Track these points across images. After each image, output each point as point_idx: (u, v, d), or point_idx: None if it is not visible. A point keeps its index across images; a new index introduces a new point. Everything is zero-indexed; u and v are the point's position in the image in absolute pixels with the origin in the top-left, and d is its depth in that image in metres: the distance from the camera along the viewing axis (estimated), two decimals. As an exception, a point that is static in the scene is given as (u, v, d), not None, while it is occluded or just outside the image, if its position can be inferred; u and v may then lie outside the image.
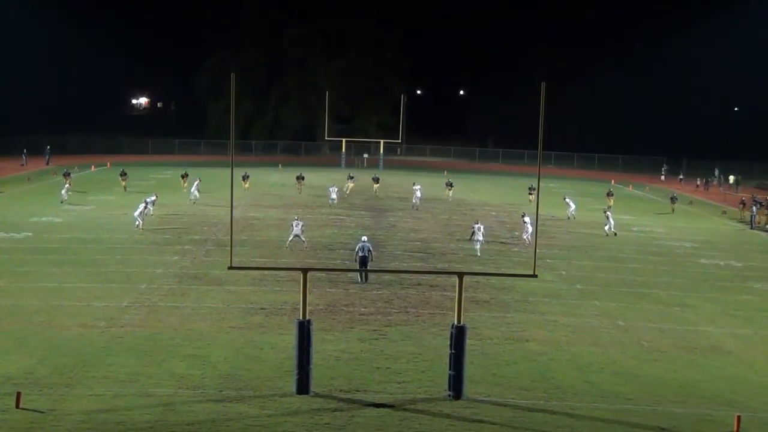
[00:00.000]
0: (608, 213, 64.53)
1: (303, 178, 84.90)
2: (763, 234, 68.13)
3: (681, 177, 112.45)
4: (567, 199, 71.35)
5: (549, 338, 36.25)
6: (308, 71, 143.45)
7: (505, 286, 45.00)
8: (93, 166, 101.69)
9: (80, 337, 33.83)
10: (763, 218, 72.15)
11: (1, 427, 25.05)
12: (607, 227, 62.94)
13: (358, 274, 44.69)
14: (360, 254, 44.99)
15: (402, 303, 41.16)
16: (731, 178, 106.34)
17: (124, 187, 79.49)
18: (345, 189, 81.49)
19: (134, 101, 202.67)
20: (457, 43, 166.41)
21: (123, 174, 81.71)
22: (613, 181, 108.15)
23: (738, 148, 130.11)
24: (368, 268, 44.54)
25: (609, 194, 78.39)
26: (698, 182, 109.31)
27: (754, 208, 72.79)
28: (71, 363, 30.55)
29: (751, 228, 70.87)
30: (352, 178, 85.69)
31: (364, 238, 46.89)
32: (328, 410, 27.19)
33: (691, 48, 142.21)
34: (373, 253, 45.92)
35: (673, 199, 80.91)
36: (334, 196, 74.85)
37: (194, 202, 70.74)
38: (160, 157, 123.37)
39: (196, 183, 74.05)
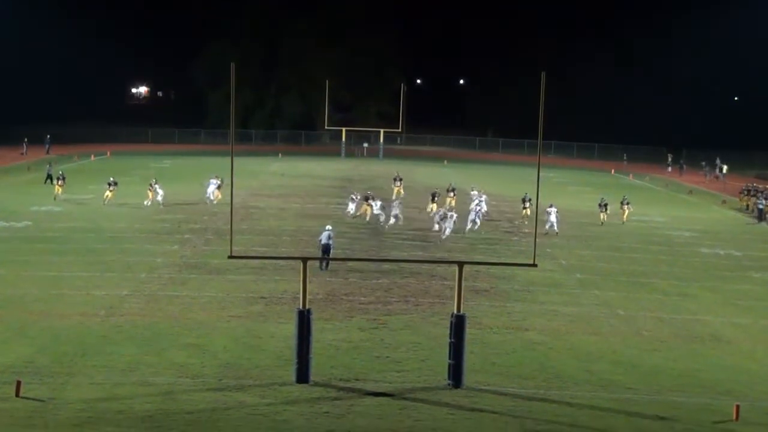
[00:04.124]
0: (551, 209, 59.06)
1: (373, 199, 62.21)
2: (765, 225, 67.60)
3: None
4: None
5: (549, 327, 36.29)
6: (308, 60, 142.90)
7: (505, 275, 44.99)
8: (93, 156, 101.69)
9: (80, 326, 33.86)
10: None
11: (1, 415, 25.09)
12: (548, 225, 58.09)
13: (319, 262, 44.62)
14: (323, 242, 45.07)
15: (402, 292, 41.20)
16: (725, 168, 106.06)
17: (55, 196, 66.46)
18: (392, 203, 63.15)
19: (134, 90, 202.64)
20: (457, 32, 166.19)
21: (60, 178, 68.05)
22: (613, 171, 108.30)
23: (738, 138, 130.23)
24: (330, 255, 44.75)
25: (623, 203, 66.13)
26: (669, 169, 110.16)
27: (762, 202, 70.34)
28: (71, 352, 30.58)
29: (759, 221, 68.58)
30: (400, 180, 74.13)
31: (329, 226, 47.00)
32: (327, 399, 27.23)
33: (692, 37, 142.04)
34: (331, 239, 45.67)
35: (602, 206, 64.38)
36: (397, 211, 59.95)
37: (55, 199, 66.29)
38: (160, 146, 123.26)
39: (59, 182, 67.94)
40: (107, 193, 64.87)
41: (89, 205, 63.96)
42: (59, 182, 67.42)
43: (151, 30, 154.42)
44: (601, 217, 63.32)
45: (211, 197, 66.41)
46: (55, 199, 65.67)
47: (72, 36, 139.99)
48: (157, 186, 64.69)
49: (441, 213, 56.85)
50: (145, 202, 64.18)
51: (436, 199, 64.70)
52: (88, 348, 31.16)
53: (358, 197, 62.99)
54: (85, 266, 44.01)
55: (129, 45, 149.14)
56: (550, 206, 59.28)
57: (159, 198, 64.11)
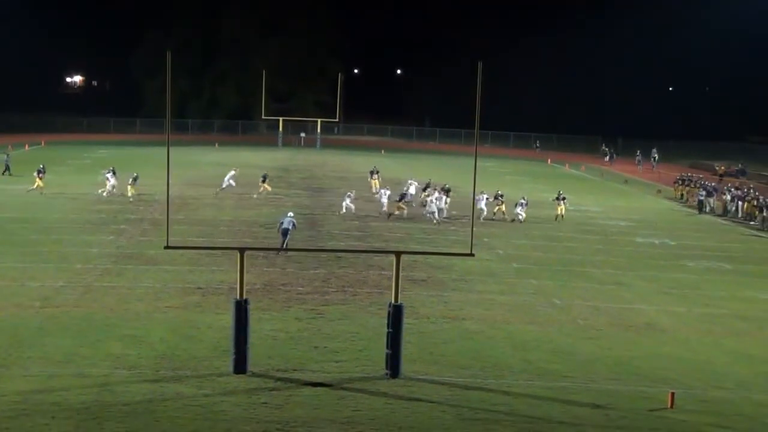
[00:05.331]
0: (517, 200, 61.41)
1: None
2: (708, 217, 68.16)
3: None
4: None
5: (486, 317, 36.42)
6: (245, 50, 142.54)
7: (443, 265, 45.11)
8: (27, 145, 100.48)
9: (15, 317, 33.43)
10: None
11: (-67, 408, 24.79)
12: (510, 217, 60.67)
13: (280, 245, 45.72)
14: (283, 226, 46.16)
15: (339, 282, 41.16)
16: (656, 157, 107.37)
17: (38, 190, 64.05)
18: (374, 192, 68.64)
19: (68, 80, 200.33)
20: (394, 23, 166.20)
21: (40, 171, 65.49)
22: (549, 161, 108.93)
23: (672, 128, 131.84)
24: (288, 239, 45.96)
25: (558, 198, 62.25)
26: (606, 158, 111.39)
27: (702, 192, 71.16)
28: (6, 343, 30.20)
29: (700, 212, 69.42)
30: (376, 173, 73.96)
31: (291, 213, 47.95)
32: (265, 390, 27.15)
33: (627, 27, 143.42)
34: (295, 227, 46.82)
35: (522, 204, 61.17)
36: (412, 191, 65.80)
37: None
38: (95, 135, 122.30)
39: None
40: (112, 182, 64.16)
41: (24, 195, 63.00)
42: (39, 175, 65.01)
43: (86, 20, 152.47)
44: (519, 216, 60.77)
45: (232, 183, 67.67)
46: (31, 191, 63.42)
47: (4, 24, 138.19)
48: (108, 174, 64.21)
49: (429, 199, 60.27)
50: (100, 191, 64.04)
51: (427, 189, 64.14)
52: (23, 340, 30.79)
53: (353, 195, 61.79)
54: (19, 257, 43.47)
55: (64, 33, 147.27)
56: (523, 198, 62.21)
57: (109, 186, 63.64)
